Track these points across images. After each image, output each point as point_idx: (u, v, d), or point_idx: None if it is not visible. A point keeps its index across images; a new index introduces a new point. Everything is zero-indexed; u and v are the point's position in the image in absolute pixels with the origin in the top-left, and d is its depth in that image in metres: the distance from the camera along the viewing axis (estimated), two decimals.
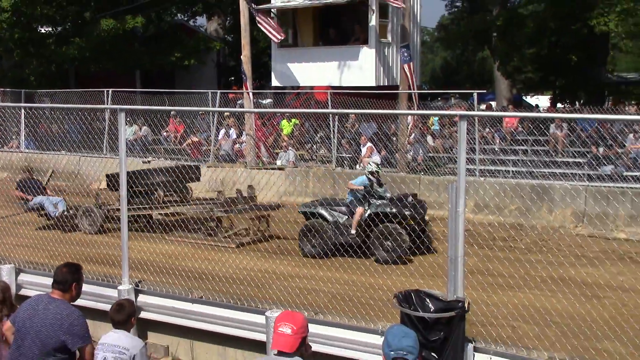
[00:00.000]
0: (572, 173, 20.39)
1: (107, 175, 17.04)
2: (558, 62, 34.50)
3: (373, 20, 27.00)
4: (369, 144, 22.89)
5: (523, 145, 22.52)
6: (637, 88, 37.64)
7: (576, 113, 24.22)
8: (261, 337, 7.78)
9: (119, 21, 30.19)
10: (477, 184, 19.20)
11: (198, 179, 18.81)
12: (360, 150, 22.93)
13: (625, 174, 19.95)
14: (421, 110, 23.60)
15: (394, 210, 13.87)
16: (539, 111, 30.63)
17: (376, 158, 22.39)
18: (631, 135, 20.63)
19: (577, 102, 35.48)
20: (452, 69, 63.76)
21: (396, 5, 24.90)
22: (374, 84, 27.00)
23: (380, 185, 14.69)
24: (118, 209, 15.68)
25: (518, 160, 21.84)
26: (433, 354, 6.26)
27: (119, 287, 8.77)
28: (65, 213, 16.86)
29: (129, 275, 8.89)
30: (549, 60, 35.11)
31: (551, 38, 33.46)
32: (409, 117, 22.60)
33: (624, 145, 20.75)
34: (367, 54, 27.24)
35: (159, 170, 17.79)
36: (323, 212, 14.78)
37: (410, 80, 23.12)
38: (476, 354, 6.66)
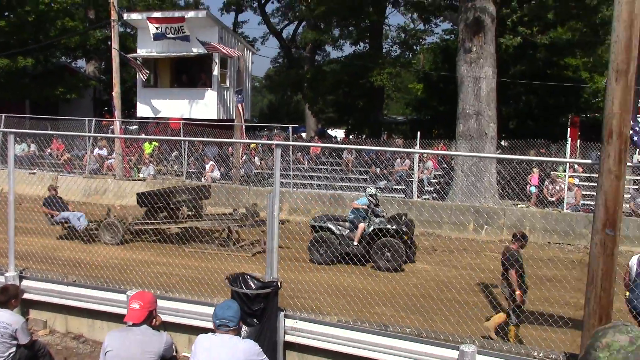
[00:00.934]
0: (358, 186, 21.10)
1: (138, 194, 14.90)
2: (350, 106, 35.73)
3: (216, 70, 26.92)
4: (212, 162, 22.64)
5: (324, 166, 23.08)
6: (402, 126, 39.55)
7: (362, 144, 25.06)
8: (123, 311, 7.47)
9: (12, 60, 28.13)
10: (290, 194, 19.52)
11: (208, 197, 16.66)
12: (205, 167, 22.64)
13: (393, 187, 20.93)
14: (251, 140, 23.49)
15: (394, 227, 13.10)
16: (336, 141, 31.49)
17: (216, 173, 22.16)
18: (398, 160, 21.65)
19: (363, 135, 36.77)
20: (275, 108, 64.24)
21: (231, 55, 25.06)
22: (215, 117, 26.90)
23: (377, 205, 13.69)
24: (139, 223, 14.85)
25: (321, 176, 22.34)
26: (255, 320, 6.26)
27: (5, 274, 8.12)
28: (89, 226, 14.84)
29: (15, 264, 8.25)
30: (344, 104, 36.23)
31: (345, 89, 34.53)
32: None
33: (393, 167, 21.77)
34: (211, 95, 27.13)
35: (182, 190, 15.75)
36: (331, 225, 13.58)
37: (242, 116, 23.18)
38: (286, 319, 6.70)
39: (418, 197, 19.46)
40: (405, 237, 13.21)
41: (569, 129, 35.86)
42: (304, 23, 41.07)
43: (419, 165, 20.12)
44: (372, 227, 13.22)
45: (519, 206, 18.64)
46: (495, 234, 17.04)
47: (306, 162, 23.61)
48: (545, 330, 7.80)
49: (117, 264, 11.19)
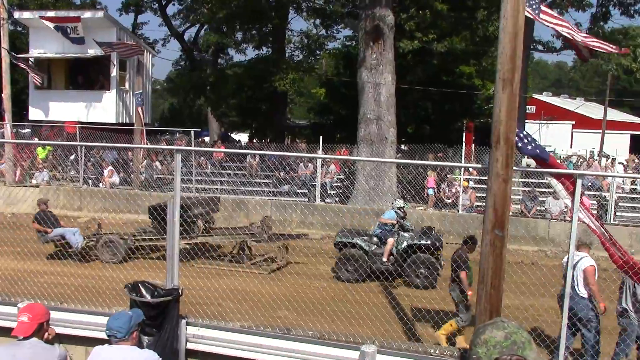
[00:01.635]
0: (261, 190, 21.07)
1: (150, 207, 13.72)
2: (253, 110, 35.59)
3: (114, 72, 26.10)
4: (110, 167, 21.91)
5: (228, 170, 22.87)
6: (305, 130, 39.85)
7: (266, 148, 25.04)
8: (14, 325, 7.09)
9: None
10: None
11: (217, 210, 15.63)
12: (103, 172, 21.88)
13: (297, 191, 21.06)
14: (152, 145, 22.87)
15: (428, 242, 12.43)
16: (240, 146, 31.32)
17: (116, 179, 21.46)
18: (301, 164, 21.80)
19: (267, 139, 36.77)
20: (177, 112, 63.00)
21: (132, 49, 24.37)
22: (114, 121, 26.07)
23: (404, 218, 13.04)
24: (144, 239, 13.74)
25: (224, 181, 22.13)
26: (154, 329, 6.12)
27: None
28: (86, 244, 13.61)
29: None
30: (247, 108, 36.03)
31: (248, 92, 34.37)
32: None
33: (297, 171, 21.89)
34: (109, 97, 26.30)
35: (197, 202, 14.58)
36: (360, 242, 12.81)
37: (142, 119, 22.61)
38: (188, 327, 6.59)
39: (321, 200, 19.68)
40: (437, 253, 12.59)
41: (464, 134, 37.48)
42: (206, 26, 40.56)
43: (322, 169, 20.36)
44: (404, 243, 12.60)
45: (417, 208, 19.24)
46: None
47: (209, 167, 23.32)
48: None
49: (8, 274, 10.60)
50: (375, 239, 13.10)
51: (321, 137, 19.91)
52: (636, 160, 27.37)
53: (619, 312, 8.10)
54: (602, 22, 24.02)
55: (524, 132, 6.21)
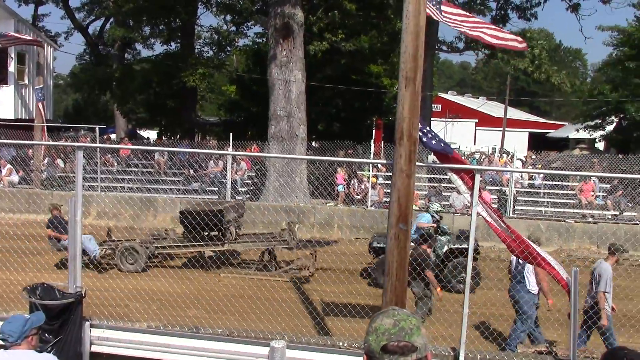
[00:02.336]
0: (170, 188, 20.67)
1: (182, 212, 13.00)
2: (162, 106, 34.80)
3: (12, 66, 24.83)
4: (9, 165, 20.84)
5: (135, 168, 22.29)
6: (216, 127, 39.39)
7: (176, 145, 24.57)
8: None
9: None
10: (98, 198, 18.60)
11: (243, 215, 14.85)
12: (1, 170, 20.77)
13: (207, 189, 20.81)
14: (46, 142, 21.72)
15: (467, 246, 11.70)
16: (148, 143, 30.57)
17: (14, 177, 20.43)
18: (211, 162, 21.56)
19: (177, 136, 36.03)
20: (82, 108, 60.69)
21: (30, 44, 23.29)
22: (13, 117, 24.80)
23: (439, 221, 12.67)
24: (166, 246, 12.98)
25: (132, 178, 21.54)
26: (56, 332, 5.90)
27: None
28: (105, 252, 12.67)
29: None
30: (155, 104, 35.19)
31: (156, 88, 33.61)
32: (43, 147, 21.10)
33: (207, 169, 21.63)
34: (7, 92, 24.96)
35: (230, 207, 13.74)
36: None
37: (43, 115, 21.64)
38: (92, 329, 6.41)
39: (232, 198, 19.54)
40: (476, 256, 12.15)
41: (374, 131, 38.24)
42: (111, 19, 39.24)
43: (232, 166, 20.21)
44: (445, 247, 12.22)
45: (328, 204, 19.48)
46: (307, 232, 17.63)
47: (115, 164, 22.62)
48: (358, 321, 8.25)
49: None
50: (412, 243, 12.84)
51: (231, 134, 19.76)
52: (534, 157, 28.82)
53: (587, 305, 8.44)
54: (501, 24, 25.14)
55: (427, 128, 6.41)
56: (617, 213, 19.74)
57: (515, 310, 8.68)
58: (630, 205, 20.44)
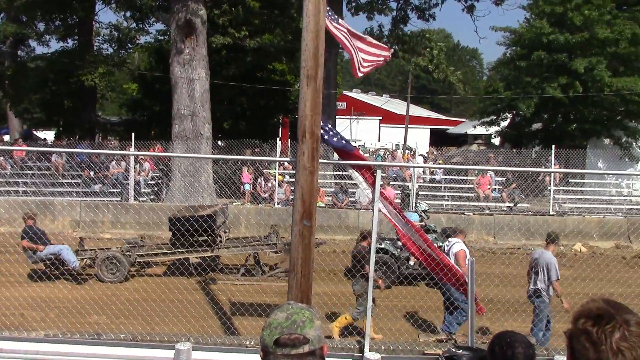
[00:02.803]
0: (69, 191, 19.86)
1: (172, 219, 12.30)
2: (59, 106, 33.30)
3: None
4: None
5: (30, 171, 21.22)
6: (118, 127, 38.18)
7: (75, 146, 23.58)
8: None
9: None
10: None
11: (226, 219, 14.15)
12: None
13: (109, 190, 20.15)
14: None
15: None
16: (45, 144, 29.24)
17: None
18: (113, 162, 20.89)
19: (76, 137, 34.62)
20: None
21: None
22: None
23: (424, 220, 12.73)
24: (151, 254, 12.36)
25: (27, 182, 20.51)
26: None
27: None
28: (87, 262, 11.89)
29: None
30: (52, 104, 33.62)
31: (52, 87, 32.12)
32: None
33: (108, 169, 20.93)
34: None
35: (219, 212, 13.14)
36: (390, 248, 12.31)
37: None
38: None
39: (135, 199, 19.02)
40: None
41: (280, 129, 38.29)
42: (2, 14, 37.13)
43: (135, 167, 19.67)
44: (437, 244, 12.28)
45: (234, 204, 19.34)
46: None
47: (9, 167, 21.45)
48: (265, 320, 8.24)
49: None
50: (400, 242, 12.60)
51: (134, 134, 19.23)
52: (435, 152, 29.84)
53: (532, 292, 8.89)
54: (402, 24, 25.83)
55: (329, 126, 6.50)
56: (512, 205, 20.78)
57: (449, 302, 9.05)
58: (524, 197, 21.57)
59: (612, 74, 24.21)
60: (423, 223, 13.26)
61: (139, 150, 19.55)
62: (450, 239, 9.62)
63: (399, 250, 12.71)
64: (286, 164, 21.52)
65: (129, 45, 36.03)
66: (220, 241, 12.75)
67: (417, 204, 14.36)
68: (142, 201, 19.32)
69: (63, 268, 11.50)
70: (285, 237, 12.65)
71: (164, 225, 16.80)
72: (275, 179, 19.86)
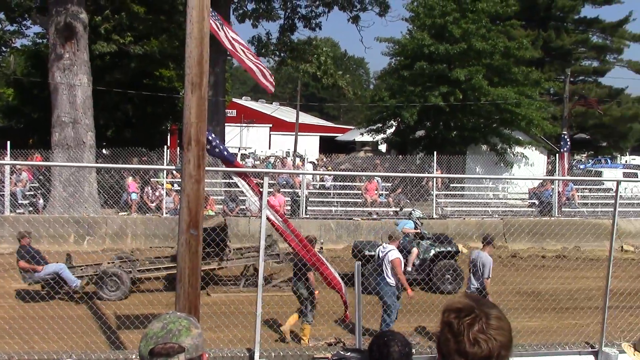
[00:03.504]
0: None
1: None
2: None
3: None
4: None
5: None
6: None
7: None
8: None
9: None
10: None
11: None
12: None
13: None
14: None
15: (451, 249, 13.11)
16: None
17: None
18: None
19: None
20: None
21: None
22: None
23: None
24: (152, 269, 11.93)
25: None
26: None
27: None
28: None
29: None
30: None
31: None
32: None
33: None
34: None
35: (224, 226, 12.61)
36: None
37: None
38: None
39: (11, 211, 17.94)
40: (456, 258, 13.35)
41: (169, 137, 37.46)
42: None
43: (10, 178, 18.54)
44: (432, 251, 13.01)
45: (120, 214, 18.70)
46: (98, 244, 16.79)
47: None
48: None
49: None
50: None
51: (9, 142, 18.12)
52: (324, 159, 30.32)
53: (474, 290, 9.47)
54: (289, 32, 26.06)
55: (212, 135, 6.46)
56: (398, 209, 21.48)
57: (382, 303, 9.45)
58: (409, 201, 22.37)
59: (488, 84, 25.67)
60: (418, 230, 13.91)
61: (15, 159, 18.45)
62: (384, 245, 9.95)
63: None
64: (174, 172, 21.08)
65: (4, 48, 33.97)
66: (230, 252, 12.69)
67: (412, 212, 14.78)
68: (19, 213, 18.24)
69: (62, 288, 11.24)
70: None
71: (42, 238, 15.97)
72: (163, 188, 19.39)
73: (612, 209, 7.77)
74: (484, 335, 1.92)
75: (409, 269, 12.98)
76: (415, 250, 13.33)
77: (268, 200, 6.38)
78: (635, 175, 31.39)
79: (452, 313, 2.00)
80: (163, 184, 19.66)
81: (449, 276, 13.17)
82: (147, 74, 28.69)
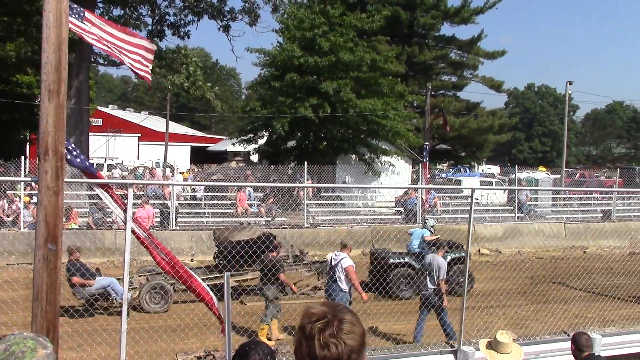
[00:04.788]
0: None
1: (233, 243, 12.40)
2: None
3: None
4: None
5: None
6: None
7: None
8: None
9: None
10: None
11: None
12: None
13: None
14: None
15: (462, 254, 14.01)
16: None
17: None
18: None
19: None
20: None
21: None
22: None
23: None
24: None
25: None
26: None
27: None
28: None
29: None
30: None
31: None
32: None
33: None
34: None
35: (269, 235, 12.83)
36: (412, 261, 14.17)
37: None
38: None
39: None
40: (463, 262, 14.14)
41: (28, 146, 35.22)
42: None
43: None
44: (449, 257, 13.56)
45: None
46: None
47: None
48: None
49: None
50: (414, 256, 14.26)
51: None
52: (195, 170, 29.85)
53: (432, 291, 10.46)
54: (157, 39, 25.43)
55: (72, 145, 6.19)
56: (270, 219, 21.58)
57: None
58: (280, 211, 22.55)
59: (356, 96, 26.49)
60: (437, 236, 14.74)
61: None
62: (337, 252, 10.43)
63: (417, 263, 14.04)
64: (33, 184, 19.83)
65: None
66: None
67: (426, 221, 15.70)
68: None
69: (111, 301, 11.44)
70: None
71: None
72: (20, 201, 18.19)
73: (467, 215, 8.28)
74: (334, 340, 1.98)
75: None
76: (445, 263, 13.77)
77: (135, 213, 6.19)
78: (491, 183, 33.65)
79: (306, 318, 2.06)
80: (20, 197, 18.43)
81: (460, 278, 13.55)
82: (3, 79, 26.87)
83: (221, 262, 12.92)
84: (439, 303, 10.49)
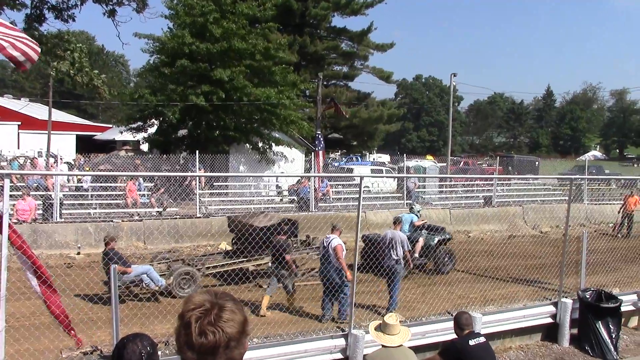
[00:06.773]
0: None
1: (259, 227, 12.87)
2: None
3: None
4: None
5: None
6: None
7: None
8: None
9: None
10: None
11: None
12: None
13: None
14: None
15: (447, 236, 15.92)
16: None
17: None
18: None
19: None
20: None
21: None
22: None
23: None
24: (217, 265, 13.16)
25: None
26: None
27: None
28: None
29: None
30: None
31: None
32: None
33: None
34: None
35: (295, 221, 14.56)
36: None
37: None
38: None
39: None
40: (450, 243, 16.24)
41: None
42: None
43: None
44: (436, 239, 15.35)
45: None
46: None
47: None
48: None
49: None
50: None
51: None
52: (82, 159, 28.58)
53: (395, 261, 11.61)
54: (37, 23, 23.97)
55: None
56: (161, 210, 21.07)
57: (335, 290, 11.01)
58: (172, 201, 22.07)
59: (252, 85, 26.30)
60: (425, 221, 16.27)
61: None
62: (328, 235, 11.35)
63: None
64: None
65: None
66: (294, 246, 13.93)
67: (413, 206, 16.32)
68: None
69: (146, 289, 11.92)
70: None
71: None
72: None
73: (357, 203, 8.48)
74: (212, 327, 1.97)
75: (417, 255, 14.81)
76: (422, 240, 15.22)
77: (16, 205, 5.85)
78: (381, 171, 34.58)
79: (186, 305, 2.04)
80: None
81: (447, 259, 15.63)
82: None
83: (239, 248, 13.74)
84: (399, 270, 11.70)
